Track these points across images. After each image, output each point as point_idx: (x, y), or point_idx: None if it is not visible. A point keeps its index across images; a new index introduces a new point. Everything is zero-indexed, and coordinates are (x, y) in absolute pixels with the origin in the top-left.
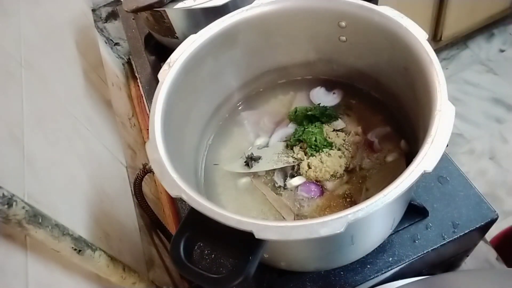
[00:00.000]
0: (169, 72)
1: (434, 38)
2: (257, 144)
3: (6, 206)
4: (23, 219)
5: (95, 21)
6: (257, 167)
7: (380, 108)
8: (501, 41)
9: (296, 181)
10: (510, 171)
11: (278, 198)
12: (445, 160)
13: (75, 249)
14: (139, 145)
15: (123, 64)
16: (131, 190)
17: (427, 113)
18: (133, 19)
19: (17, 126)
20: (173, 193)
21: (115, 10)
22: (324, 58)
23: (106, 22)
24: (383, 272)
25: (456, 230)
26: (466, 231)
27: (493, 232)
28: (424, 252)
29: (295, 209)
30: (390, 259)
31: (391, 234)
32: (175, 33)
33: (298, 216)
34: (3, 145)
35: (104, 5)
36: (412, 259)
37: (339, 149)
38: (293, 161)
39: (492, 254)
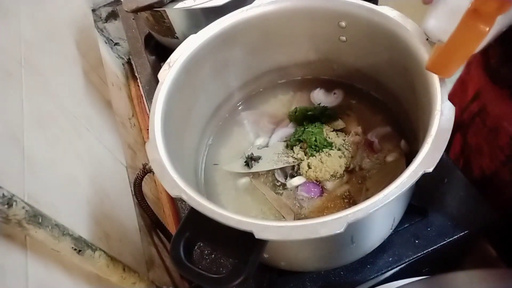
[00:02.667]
0: (169, 72)
1: None
2: (257, 144)
3: (6, 206)
4: (23, 219)
5: (95, 21)
6: (257, 167)
7: (380, 108)
8: None
9: (296, 181)
10: None
11: (278, 198)
12: (445, 160)
13: (75, 249)
14: (139, 145)
15: (123, 64)
16: (131, 190)
17: (427, 113)
18: (133, 19)
19: (17, 126)
20: (173, 193)
21: (115, 10)
22: (324, 58)
23: (106, 22)
24: (383, 272)
25: (456, 230)
26: (466, 231)
27: None
28: (424, 252)
29: (295, 208)
30: (390, 259)
31: (391, 234)
32: (175, 33)
33: (298, 216)
34: (3, 145)
35: (104, 5)
36: (412, 259)
37: (339, 149)
38: (293, 161)
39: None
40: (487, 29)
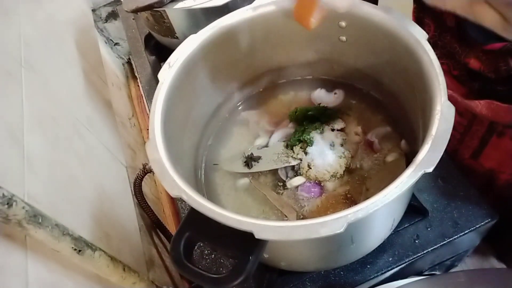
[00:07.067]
0: (169, 72)
1: None
2: (257, 144)
3: (6, 206)
4: (23, 219)
5: (95, 21)
6: (257, 167)
7: (380, 108)
8: None
9: (296, 181)
10: None
11: (279, 197)
12: (445, 160)
13: (75, 249)
14: (139, 145)
15: (123, 64)
16: (131, 190)
17: (427, 113)
18: (133, 19)
19: (17, 126)
20: (173, 193)
21: (115, 10)
22: (324, 58)
23: (106, 22)
24: (383, 272)
25: (456, 230)
26: (466, 231)
27: None
28: (424, 252)
29: (295, 207)
30: (390, 259)
31: (391, 234)
32: (175, 33)
33: (298, 216)
34: (3, 145)
35: (104, 5)
36: (412, 259)
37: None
38: (293, 161)
39: (492, 254)
40: None
